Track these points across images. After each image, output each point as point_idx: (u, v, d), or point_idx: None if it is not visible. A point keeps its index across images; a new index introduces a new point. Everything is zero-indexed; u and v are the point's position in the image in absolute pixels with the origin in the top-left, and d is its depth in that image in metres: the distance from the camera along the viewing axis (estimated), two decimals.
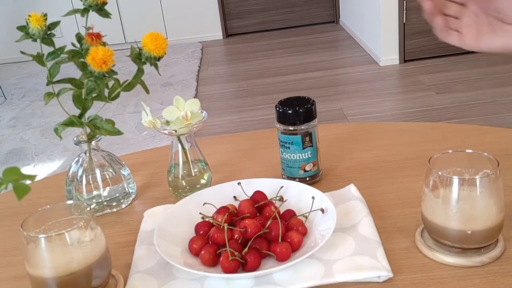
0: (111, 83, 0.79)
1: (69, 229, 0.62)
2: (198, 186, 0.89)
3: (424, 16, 0.69)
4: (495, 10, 0.64)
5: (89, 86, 0.80)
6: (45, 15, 0.77)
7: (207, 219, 0.75)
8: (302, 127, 0.85)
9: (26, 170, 2.61)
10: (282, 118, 0.86)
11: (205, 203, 0.78)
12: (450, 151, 0.69)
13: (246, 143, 1.08)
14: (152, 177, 0.98)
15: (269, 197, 0.79)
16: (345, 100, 3.19)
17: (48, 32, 0.78)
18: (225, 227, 0.69)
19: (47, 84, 0.78)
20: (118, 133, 0.82)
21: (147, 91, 0.79)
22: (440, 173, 0.65)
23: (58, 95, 0.80)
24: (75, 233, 0.62)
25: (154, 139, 2.93)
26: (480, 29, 0.66)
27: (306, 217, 0.75)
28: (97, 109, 0.83)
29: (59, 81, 0.79)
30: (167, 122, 0.85)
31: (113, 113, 3.34)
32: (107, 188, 0.88)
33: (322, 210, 0.74)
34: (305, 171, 0.87)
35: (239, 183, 0.82)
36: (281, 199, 0.79)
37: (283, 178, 0.89)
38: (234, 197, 0.81)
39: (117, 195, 0.89)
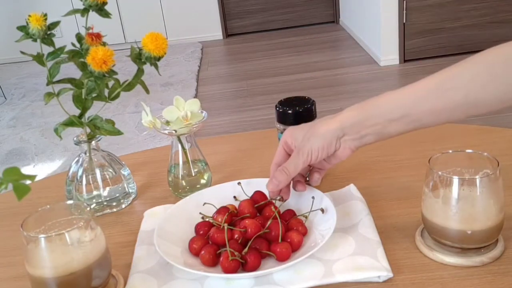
0: (111, 83, 0.79)
1: (69, 229, 0.62)
2: (198, 186, 0.89)
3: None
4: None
5: (89, 86, 0.80)
6: (45, 15, 0.77)
7: (207, 219, 0.75)
8: None
9: (26, 170, 2.61)
10: (282, 118, 0.86)
11: (205, 203, 0.78)
12: (450, 151, 0.69)
13: (246, 143, 1.08)
14: (152, 177, 0.98)
15: (269, 197, 0.79)
16: (345, 100, 3.19)
17: (48, 32, 0.78)
18: (225, 227, 0.69)
19: (47, 84, 0.78)
20: (118, 133, 0.82)
21: (147, 91, 0.79)
22: (440, 173, 0.65)
23: (58, 95, 0.80)
24: (75, 233, 0.62)
25: (154, 139, 2.93)
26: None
27: (306, 217, 0.75)
28: (97, 109, 0.83)
29: (59, 81, 0.79)
30: (167, 122, 0.85)
31: (113, 113, 3.34)
32: (107, 188, 0.88)
33: (322, 210, 0.74)
34: None
35: (239, 183, 0.82)
36: (281, 199, 0.79)
37: None
38: (234, 197, 0.81)
39: (117, 195, 0.89)
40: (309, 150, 0.70)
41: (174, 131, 0.84)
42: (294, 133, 0.74)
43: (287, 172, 0.72)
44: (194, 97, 3.48)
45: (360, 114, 0.68)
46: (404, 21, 3.64)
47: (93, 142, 0.86)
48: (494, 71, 0.62)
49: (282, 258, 0.68)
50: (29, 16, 0.76)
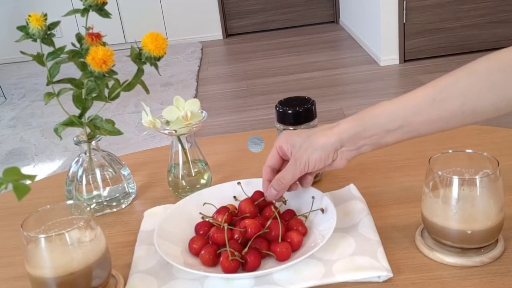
0: (111, 83, 0.79)
1: (69, 229, 0.62)
2: (198, 186, 0.89)
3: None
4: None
5: (89, 86, 0.80)
6: (45, 15, 0.77)
7: (207, 219, 0.75)
8: (302, 127, 0.85)
9: (26, 170, 2.61)
10: (282, 118, 0.86)
11: (205, 203, 0.78)
12: (450, 151, 0.69)
13: (246, 143, 1.08)
14: (152, 177, 0.98)
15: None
16: (345, 100, 3.18)
17: (48, 32, 0.78)
18: (225, 227, 0.69)
19: (47, 84, 0.78)
20: (118, 133, 0.82)
21: (147, 91, 0.79)
22: (440, 173, 0.65)
23: (58, 95, 0.80)
24: (75, 233, 0.62)
25: (154, 139, 2.93)
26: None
27: (306, 217, 0.75)
28: (97, 109, 0.83)
29: (59, 81, 0.79)
30: (167, 122, 0.85)
31: (113, 113, 3.34)
32: (107, 188, 0.88)
33: (322, 210, 0.74)
34: None
35: (239, 183, 0.82)
36: (284, 202, 0.78)
37: None
38: (234, 197, 0.81)
39: (117, 195, 0.89)
40: (306, 161, 0.71)
41: (174, 131, 0.84)
42: (291, 140, 0.73)
43: (284, 182, 0.73)
44: (194, 97, 3.48)
45: (358, 126, 0.69)
46: (404, 21, 3.64)
47: (93, 142, 0.86)
48: (491, 78, 0.61)
49: (282, 258, 0.68)
50: (29, 16, 0.76)
